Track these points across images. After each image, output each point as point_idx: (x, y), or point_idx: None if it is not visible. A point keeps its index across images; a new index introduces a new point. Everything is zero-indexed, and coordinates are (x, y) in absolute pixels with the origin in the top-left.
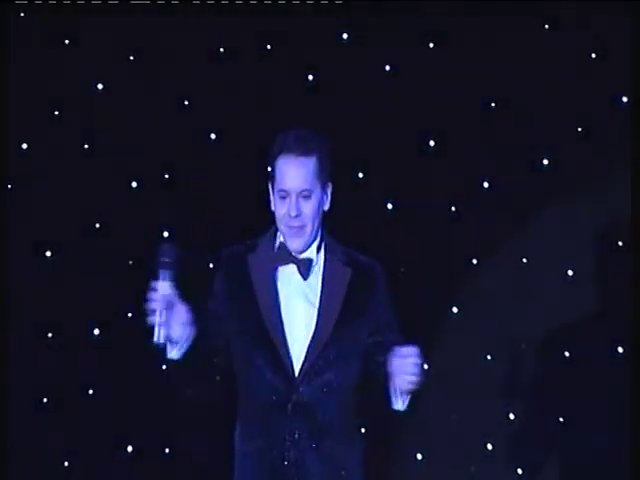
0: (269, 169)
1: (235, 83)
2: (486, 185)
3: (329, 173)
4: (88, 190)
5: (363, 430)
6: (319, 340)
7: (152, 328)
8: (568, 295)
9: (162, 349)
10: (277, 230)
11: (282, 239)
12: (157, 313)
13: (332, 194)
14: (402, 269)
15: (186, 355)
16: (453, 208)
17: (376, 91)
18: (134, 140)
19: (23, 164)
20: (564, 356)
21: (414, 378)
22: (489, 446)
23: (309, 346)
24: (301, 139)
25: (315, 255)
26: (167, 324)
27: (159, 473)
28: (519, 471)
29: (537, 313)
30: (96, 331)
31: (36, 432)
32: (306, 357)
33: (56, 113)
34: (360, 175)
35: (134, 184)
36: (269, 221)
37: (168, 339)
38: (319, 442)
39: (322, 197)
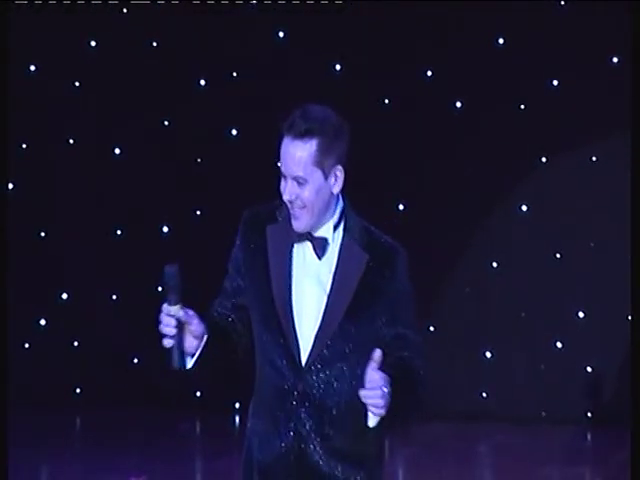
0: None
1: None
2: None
3: (336, 156)
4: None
5: None
6: (327, 329)
7: (169, 352)
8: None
9: (180, 367)
10: None
11: None
12: (172, 338)
13: (345, 176)
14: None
15: (199, 362)
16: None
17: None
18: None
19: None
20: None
21: (379, 410)
22: (558, 344)
23: (317, 334)
24: (305, 118)
25: (331, 234)
26: (181, 345)
27: None
28: (588, 369)
29: (603, 215)
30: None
31: None
32: (313, 346)
33: None
34: None
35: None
36: None
37: (183, 357)
38: (323, 436)
39: (323, 182)
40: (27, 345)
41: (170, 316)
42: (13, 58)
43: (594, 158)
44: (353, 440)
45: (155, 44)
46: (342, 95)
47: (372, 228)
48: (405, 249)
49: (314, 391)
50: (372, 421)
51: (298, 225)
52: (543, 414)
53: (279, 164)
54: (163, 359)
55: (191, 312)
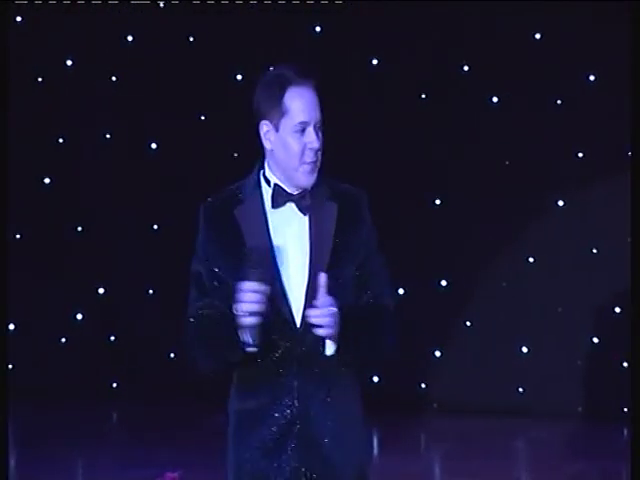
0: (270, 106)
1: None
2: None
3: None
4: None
5: None
6: (314, 282)
7: (250, 330)
8: None
9: (250, 346)
10: (258, 176)
11: (276, 180)
12: (259, 315)
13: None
14: None
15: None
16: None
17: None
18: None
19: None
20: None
21: (326, 330)
22: (595, 340)
23: (307, 291)
24: (304, 72)
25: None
26: (255, 324)
27: None
28: (625, 365)
29: None
30: None
31: None
32: (305, 304)
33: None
34: None
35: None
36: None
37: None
38: (322, 389)
39: None
40: (64, 340)
41: (256, 292)
42: (50, 53)
43: (630, 153)
44: (345, 393)
45: (192, 39)
46: (378, 90)
47: (329, 179)
48: (365, 191)
49: (311, 350)
50: (329, 348)
51: (312, 179)
52: (579, 410)
53: (284, 121)
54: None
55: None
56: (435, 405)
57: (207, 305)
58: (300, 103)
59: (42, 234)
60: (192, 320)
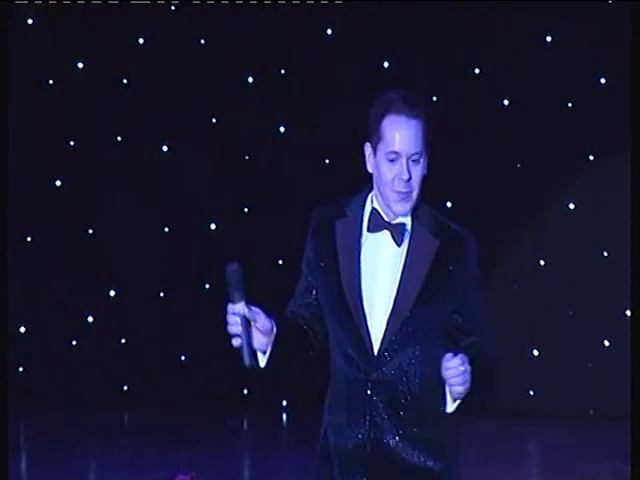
0: (372, 129)
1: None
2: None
3: (430, 138)
4: None
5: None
6: (398, 315)
7: (239, 351)
8: None
9: (252, 365)
10: (365, 199)
11: (376, 204)
12: (240, 337)
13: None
14: None
15: (272, 359)
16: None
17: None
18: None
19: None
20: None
21: (461, 388)
22: (606, 342)
23: (388, 320)
24: (409, 99)
25: (409, 221)
26: (250, 343)
27: None
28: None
29: None
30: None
31: None
32: (385, 333)
33: None
34: None
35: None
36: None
37: (255, 354)
38: (399, 424)
39: (426, 162)
40: (75, 342)
41: (235, 314)
42: (62, 55)
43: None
44: (428, 426)
45: (203, 41)
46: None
47: (440, 215)
48: (474, 236)
49: (387, 379)
50: (450, 405)
51: (404, 209)
52: (591, 412)
53: (379, 147)
54: (215, 357)
55: (256, 309)
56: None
57: (289, 305)
58: (395, 132)
59: (53, 236)
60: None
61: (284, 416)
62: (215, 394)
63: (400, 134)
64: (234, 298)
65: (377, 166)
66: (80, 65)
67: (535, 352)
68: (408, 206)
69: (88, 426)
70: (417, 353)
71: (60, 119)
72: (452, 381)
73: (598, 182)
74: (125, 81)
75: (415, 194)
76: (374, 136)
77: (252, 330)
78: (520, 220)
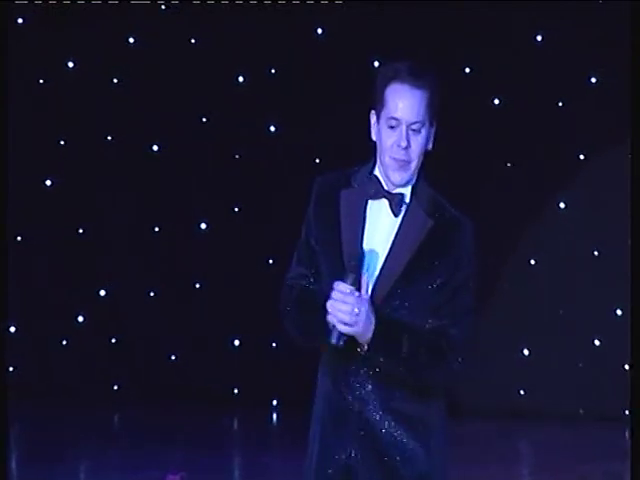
0: (377, 96)
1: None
2: None
3: (437, 112)
4: None
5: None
6: (381, 288)
7: (334, 329)
8: None
9: (337, 344)
10: (373, 168)
11: (377, 172)
12: (346, 325)
13: (435, 135)
14: None
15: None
16: None
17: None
18: None
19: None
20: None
21: (345, 325)
22: (596, 342)
23: (372, 292)
24: (415, 70)
25: (409, 194)
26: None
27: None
28: (626, 367)
29: None
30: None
31: None
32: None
33: None
34: None
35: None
36: None
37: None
38: (383, 397)
39: (429, 135)
40: (65, 342)
41: (348, 301)
42: (52, 54)
43: (630, 155)
44: (412, 403)
45: (193, 40)
46: None
47: (440, 197)
48: (473, 222)
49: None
50: (333, 336)
51: (400, 178)
52: (581, 412)
53: (382, 113)
54: (206, 357)
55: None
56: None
57: (300, 279)
58: (397, 99)
59: (43, 236)
60: (288, 284)
61: (274, 415)
62: (206, 394)
63: (402, 102)
64: (351, 279)
65: (379, 133)
66: (70, 64)
67: (525, 351)
68: (405, 175)
69: (78, 426)
70: None
71: (50, 119)
72: (331, 310)
73: (589, 181)
74: (115, 80)
75: (413, 165)
76: (378, 104)
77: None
78: (510, 219)
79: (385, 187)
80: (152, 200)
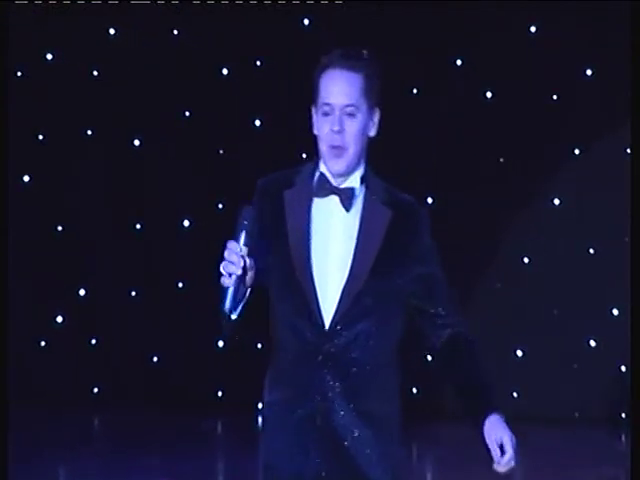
0: (313, 88)
1: None
2: None
3: (377, 97)
4: None
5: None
6: (353, 285)
7: (224, 292)
8: None
9: (227, 313)
10: (316, 166)
11: (323, 169)
12: (233, 278)
13: (380, 121)
14: None
15: (243, 311)
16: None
17: None
18: None
19: None
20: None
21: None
22: (592, 342)
23: (342, 292)
24: (348, 55)
25: (359, 186)
26: (236, 289)
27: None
28: (622, 368)
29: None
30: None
31: None
32: (338, 305)
33: None
34: None
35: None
36: None
37: (236, 304)
38: (350, 397)
39: (367, 120)
40: (43, 343)
41: (237, 254)
42: (30, 46)
43: (629, 150)
44: (379, 402)
45: (176, 32)
46: None
47: (391, 186)
48: (427, 208)
49: (339, 352)
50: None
51: (339, 166)
52: (576, 415)
53: (318, 101)
54: (189, 358)
55: (252, 263)
56: (428, 411)
57: None
58: (329, 85)
59: (21, 233)
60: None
61: (259, 418)
62: (189, 397)
63: (335, 86)
64: (242, 240)
65: (317, 124)
66: (49, 57)
67: (519, 352)
68: (343, 164)
69: (57, 430)
70: (371, 326)
71: (28, 112)
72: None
73: (584, 177)
74: (96, 73)
75: (351, 151)
76: (315, 95)
77: (243, 278)
78: (503, 216)
79: (333, 183)
80: (133, 196)
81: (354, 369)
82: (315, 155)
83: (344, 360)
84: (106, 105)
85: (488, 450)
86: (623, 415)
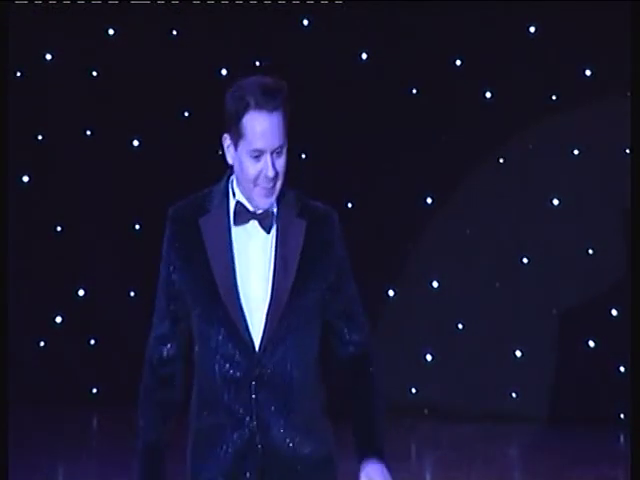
0: (231, 123)
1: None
2: None
3: (288, 122)
4: None
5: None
6: (277, 305)
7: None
8: None
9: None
10: (226, 191)
11: (239, 197)
12: None
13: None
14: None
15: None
16: None
17: None
18: None
19: None
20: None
21: None
22: (591, 343)
23: (267, 314)
24: (268, 90)
25: (275, 207)
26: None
27: None
28: (622, 369)
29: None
30: None
31: None
32: (265, 327)
33: None
34: None
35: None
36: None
37: None
38: (286, 415)
39: (286, 148)
40: (42, 343)
41: None
42: (29, 46)
43: (629, 150)
44: (310, 413)
45: (175, 32)
46: (368, 84)
47: (304, 196)
48: (335, 211)
49: (269, 372)
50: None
51: (268, 203)
52: (574, 415)
53: (242, 144)
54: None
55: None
56: (426, 411)
57: (161, 338)
58: (257, 129)
59: (20, 233)
60: (147, 360)
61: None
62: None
63: (263, 131)
64: None
65: (239, 160)
66: (48, 57)
67: (518, 353)
68: (273, 198)
69: (56, 430)
70: (294, 342)
71: (27, 113)
72: None
73: (583, 177)
74: (95, 73)
75: (279, 184)
76: (234, 132)
77: None
78: (502, 216)
79: (251, 209)
80: (133, 197)
81: (285, 387)
82: (225, 179)
83: (275, 381)
84: (105, 105)
85: None
86: (622, 415)
